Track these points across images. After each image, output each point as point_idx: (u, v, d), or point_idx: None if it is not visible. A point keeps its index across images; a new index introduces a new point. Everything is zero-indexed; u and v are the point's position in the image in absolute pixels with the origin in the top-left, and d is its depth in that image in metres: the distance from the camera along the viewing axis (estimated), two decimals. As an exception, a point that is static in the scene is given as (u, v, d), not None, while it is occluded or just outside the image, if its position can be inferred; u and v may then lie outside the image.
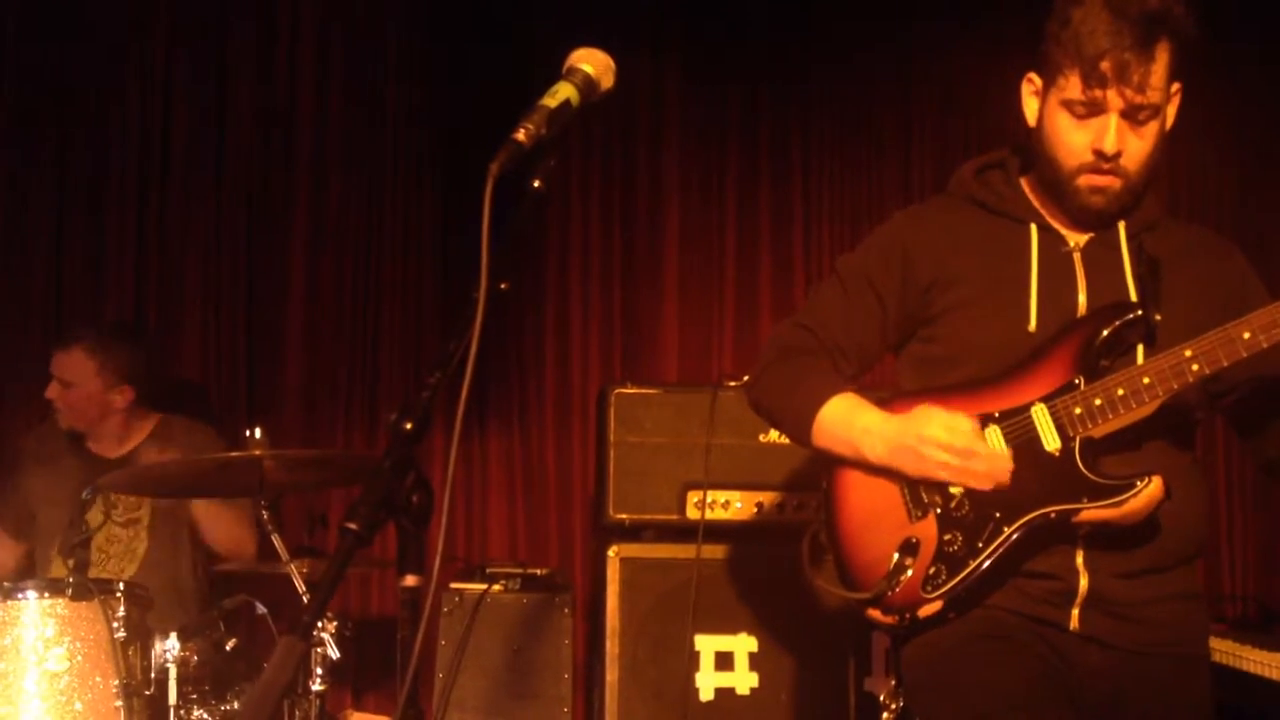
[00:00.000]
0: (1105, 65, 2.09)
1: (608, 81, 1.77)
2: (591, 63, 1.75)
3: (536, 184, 1.69)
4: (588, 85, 1.74)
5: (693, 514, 3.40)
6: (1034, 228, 2.27)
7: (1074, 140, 2.17)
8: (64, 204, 4.21)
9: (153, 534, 3.58)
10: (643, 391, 3.51)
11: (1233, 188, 4.41)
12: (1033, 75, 2.25)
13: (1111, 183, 2.18)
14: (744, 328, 4.39)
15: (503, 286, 1.60)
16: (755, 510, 3.42)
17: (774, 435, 3.42)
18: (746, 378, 3.54)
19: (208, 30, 4.27)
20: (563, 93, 1.72)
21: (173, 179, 4.27)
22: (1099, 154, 2.15)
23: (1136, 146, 2.16)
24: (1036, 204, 2.30)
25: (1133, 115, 2.14)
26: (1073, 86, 2.14)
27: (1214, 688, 2.24)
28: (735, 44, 4.38)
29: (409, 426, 1.48)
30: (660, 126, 4.41)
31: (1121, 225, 2.26)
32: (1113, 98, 2.12)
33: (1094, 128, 2.15)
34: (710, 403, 3.42)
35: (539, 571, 3.70)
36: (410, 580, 1.47)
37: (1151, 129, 2.16)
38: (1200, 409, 2.28)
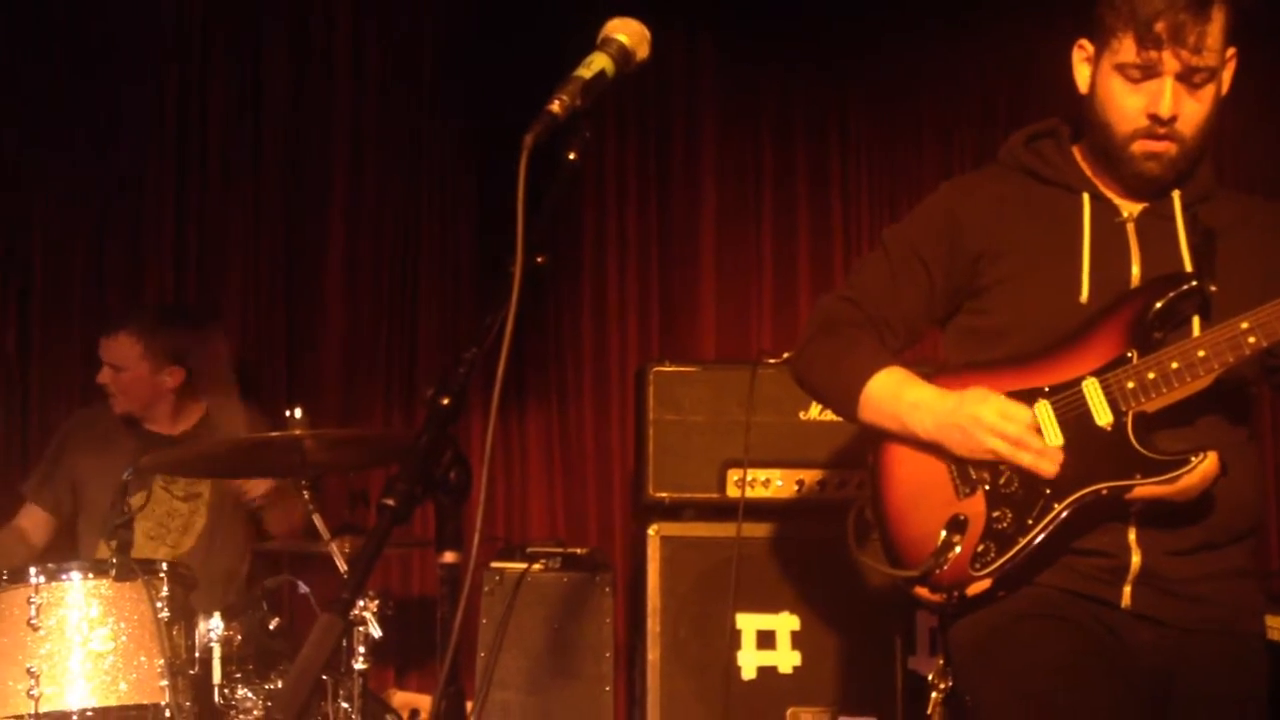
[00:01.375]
0: (1160, 26, 2.04)
1: (643, 51, 1.74)
2: (626, 32, 1.72)
3: (571, 156, 1.65)
4: (623, 55, 1.71)
5: (733, 492, 3.37)
6: (1086, 197, 2.23)
7: (1128, 105, 2.12)
8: (103, 190, 4.22)
9: (212, 510, 3.60)
10: (681, 369, 3.48)
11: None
12: (1084, 41, 2.20)
13: (1167, 148, 2.13)
14: (782, 304, 4.34)
15: (539, 260, 1.57)
16: (796, 488, 3.39)
17: (814, 412, 3.38)
18: (787, 354, 3.55)
19: (243, 11, 4.26)
20: (597, 63, 1.69)
21: (210, 162, 4.27)
22: (1154, 118, 2.10)
23: (1192, 110, 2.11)
24: (1089, 173, 2.25)
25: (1188, 78, 2.09)
26: (1126, 49, 2.09)
27: (1271, 665, 2.19)
28: (770, 18, 4.32)
29: (446, 402, 1.46)
30: (695, 102, 4.36)
31: (1176, 195, 2.21)
32: (1168, 60, 2.07)
33: (1148, 91, 2.10)
34: (749, 380, 3.39)
35: (579, 551, 3.69)
36: (449, 557, 1.45)
37: (1208, 92, 2.11)
38: (1255, 383, 2.22)
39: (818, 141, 4.36)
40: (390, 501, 1.38)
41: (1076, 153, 2.28)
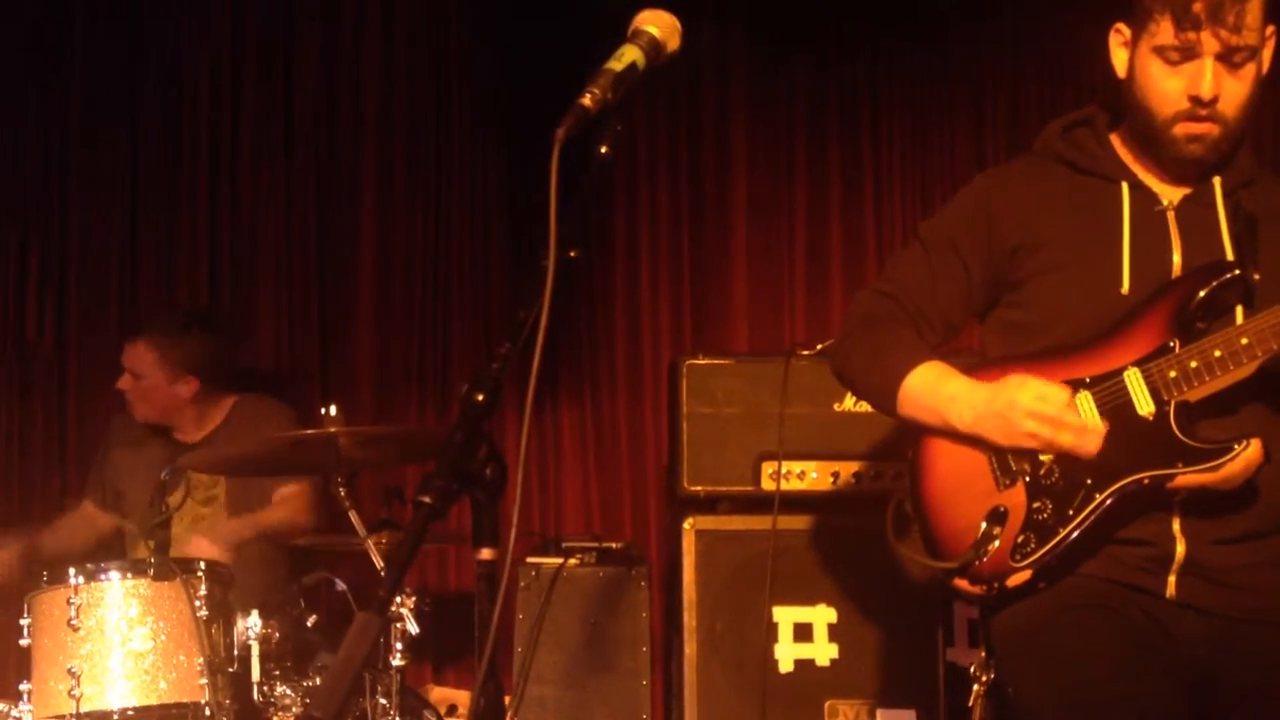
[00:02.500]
0: (1198, 7, 2.02)
1: (674, 43, 1.72)
2: (657, 24, 1.71)
3: (604, 150, 1.64)
4: (654, 48, 1.70)
5: (768, 485, 3.35)
6: (1125, 186, 2.20)
7: (1168, 88, 2.09)
8: (137, 187, 4.25)
9: (231, 511, 3.61)
10: (715, 362, 3.46)
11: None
12: (1121, 26, 2.18)
13: (1209, 130, 2.10)
14: (815, 296, 4.32)
15: (572, 254, 1.56)
16: (831, 480, 3.37)
17: (849, 404, 3.36)
18: (820, 346, 3.54)
19: (273, 5, 4.27)
20: (628, 56, 1.67)
21: (242, 160, 4.29)
22: (1196, 100, 2.07)
23: (1234, 90, 2.08)
24: (1128, 161, 2.23)
25: (1228, 58, 2.06)
26: (1165, 31, 2.06)
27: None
28: (801, 9, 4.29)
29: (480, 398, 1.45)
30: (726, 95, 4.34)
31: (1217, 182, 2.18)
32: (1207, 40, 2.04)
33: (1188, 73, 2.07)
34: (783, 372, 3.37)
35: (614, 545, 3.69)
36: (486, 553, 1.45)
37: (1249, 72, 2.08)
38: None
39: (850, 132, 4.33)
40: (427, 499, 1.37)
41: (1114, 141, 2.26)
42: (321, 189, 4.29)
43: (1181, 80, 2.08)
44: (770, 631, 3.30)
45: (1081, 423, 2.09)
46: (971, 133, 4.31)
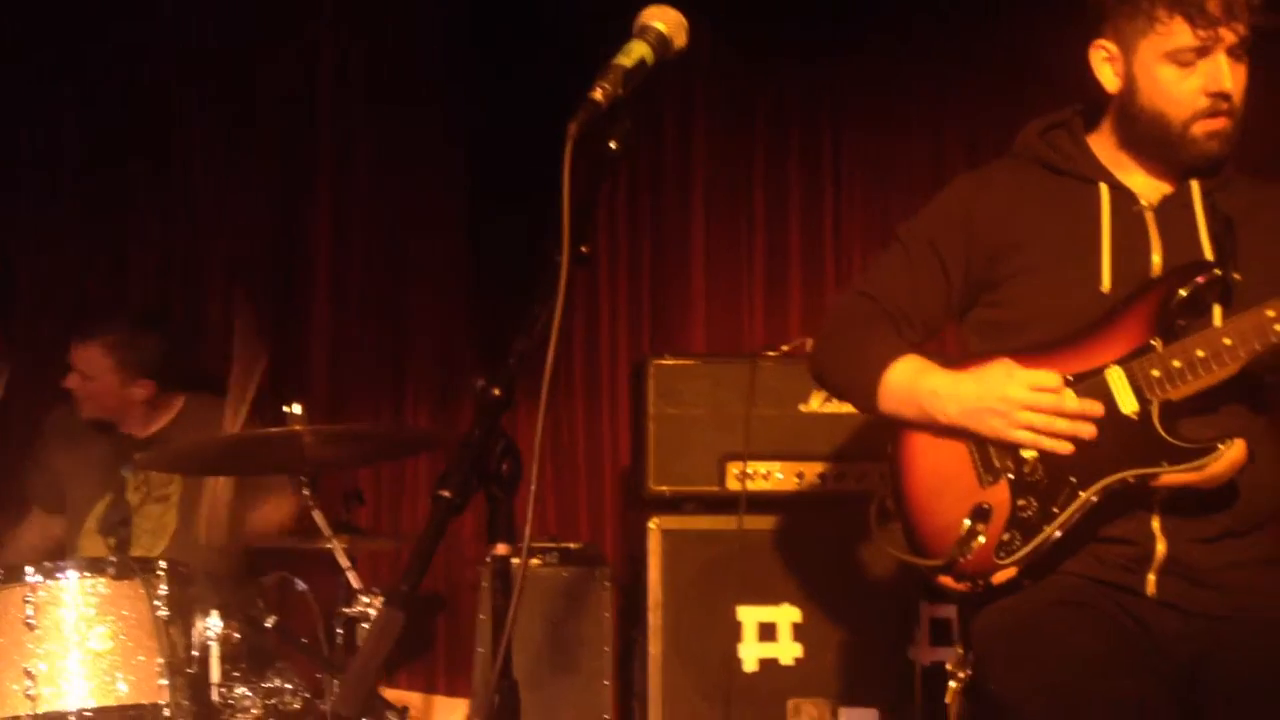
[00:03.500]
0: (1213, 5, 2.07)
1: (681, 39, 1.73)
2: (664, 20, 1.71)
3: (614, 146, 1.64)
4: (661, 43, 1.70)
5: (733, 485, 3.36)
6: (1104, 187, 2.23)
7: (1184, 90, 2.13)
8: (88, 185, 4.15)
9: (181, 510, 3.54)
10: (681, 363, 3.46)
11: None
12: (1102, 43, 2.22)
13: (1225, 124, 2.15)
14: (773, 298, 4.32)
15: (583, 250, 1.55)
16: (796, 481, 3.38)
17: (815, 405, 3.38)
18: (786, 348, 3.55)
19: (229, 7, 4.20)
20: (637, 51, 1.67)
21: (194, 158, 4.21)
22: (1217, 95, 2.11)
23: (1240, 82, 2.14)
24: (1105, 162, 2.26)
25: (1236, 50, 2.11)
26: (1179, 34, 2.10)
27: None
28: (763, 15, 4.30)
29: (497, 394, 1.43)
30: (688, 98, 4.33)
31: (1195, 183, 2.22)
32: (1225, 34, 2.09)
33: (1204, 72, 2.11)
34: (749, 373, 3.38)
35: (573, 545, 3.68)
36: (501, 549, 1.44)
37: (1246, 62, 2.14)
38: (1272, 371, 2.23)
39: (810, 135, 4.34)
40: (447, 493, 1.35)
41: (1091, 142, 2.28)
42: (276, 185, 4.22)
43: (1198, 79, 2.12)
44: (734, 631, 3.31)
45: (1077, 406, 2.10)
46: (929, 133, 4.34)
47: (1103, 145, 2.28)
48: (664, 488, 3.39)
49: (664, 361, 3.44)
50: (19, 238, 4.14)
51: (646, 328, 4.29)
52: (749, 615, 3.33)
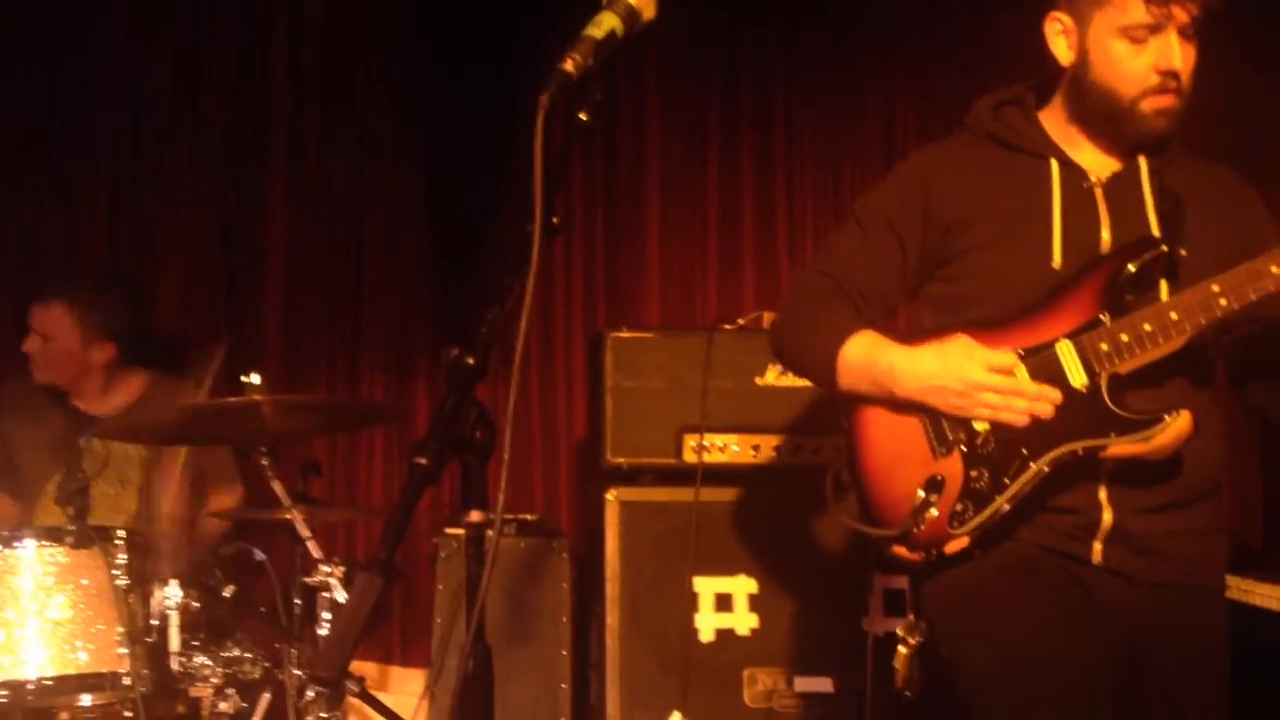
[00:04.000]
0: None
1: (649, 11, 1.74)
2: (633, -9, 1.72)
3: (583, 117, 1.66)
4: (630, 15, 1.71)
5: (690, 457, 3.41)
6: (1055, 163, 2.27)
7: (1134, 66, 2.17)
8: (40, 150, 4.12)
9: (143, 495, 3.53)
10: (638, 335, 3.49)
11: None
12: (1058, 15, 2.25)
13: (1174, 102, 2.19)
14: (727, 272, 4.37)
15: (555, 220, 1.57)
16: (752, 453, 3.43)
17: (771, 378, 3.42)
18: (742, 321, 3.59)
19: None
20: (607, 23, 1.69)
21: (145, 124, 4.18)
22: (1166, 73, 2.16)
23: (1189, 60, 2.18)
24: (1056, 138, 2.30)
25: (1187, 29, 2.16)
26: (1134, 10, 2.14)
27: (1229, 620, 2.28)
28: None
29: (471, 362, 1.45)
30: (640, 73, 4.35)
31: (1143, 160, 2.26)
32: (1177, 13, 2.13)
33: (1155, 49, 2.16)
34: (706, 346, 3.42)
35: (530, 517, 3.71)
36: (475, 516, 1.46)
37: (1195, 43, 2.18)
38: (1213, 345, 2.30)
39: (762, 106, 4.38)
40: (423, 460, 1.37)
41: (1042, 118, 2.32)
42: (230, 155, 4.20)
43: (1149, 56, 2.16)
44: (691, 601, 3.35)
45: (1036, 390, 2.15)
46: (882, 112, 4.39)
47: (1054, 121, 2.31)
48: (621, 460, 3.43)
49: (622, 334, 3.47)
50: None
51: (601, 301, 4.32)
52: (705, 586, 3.38)
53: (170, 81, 4.18)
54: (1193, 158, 2.36)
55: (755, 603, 3.38)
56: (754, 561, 3.39)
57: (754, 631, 3.37)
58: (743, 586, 3.38)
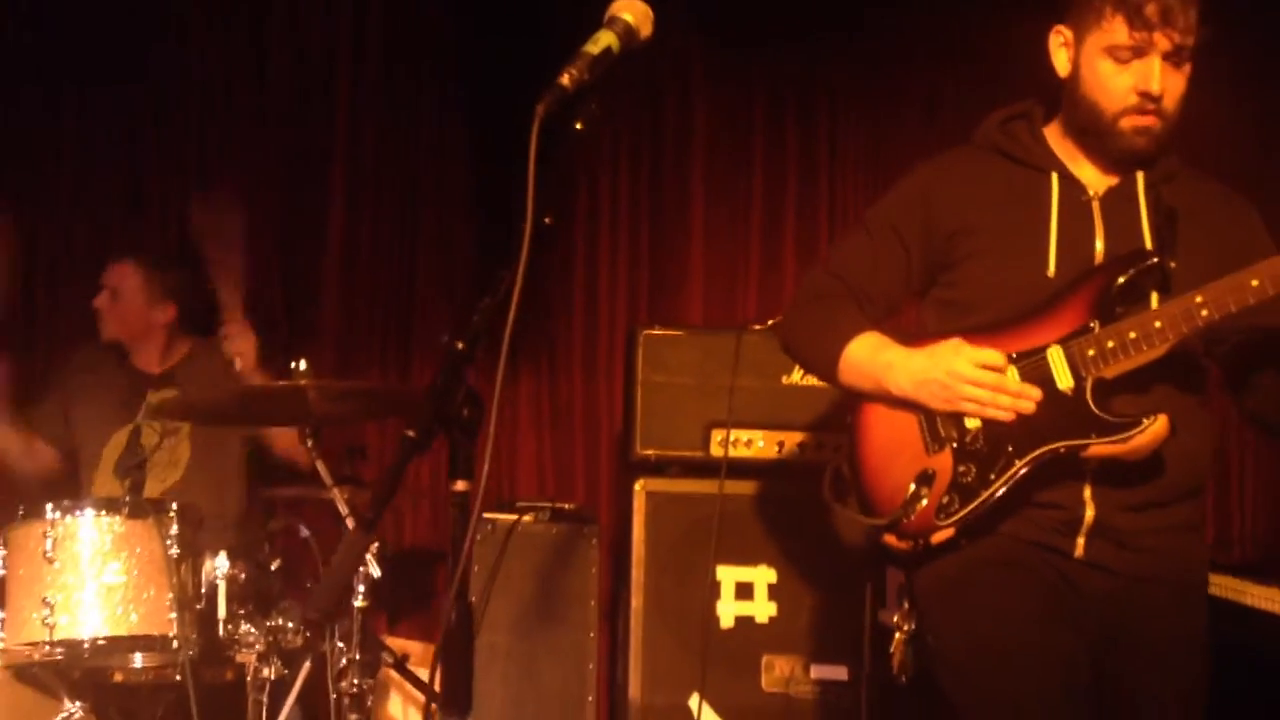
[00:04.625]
0: (1150, 10, 2.19)
1: (646, 30, 1.86)
2: (631, 11, 1.84)
3: (578, 126, 1.79)
4: (627, 33, 1.83)
5: (716, 452, 3.53)
6: (1055, 176, 2.36)
7: (1117, 85, 2.25)
8: (109, 141, 4.35)
9: (194, 440, 3.69)
10: (670, 333, 3.63)
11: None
12: (1061, 27, 2.34)
13: (1154, 123, 2.26)
14: (768, 273, 4.48)
15: (547, 220, 1.71)
16: (777, 449, 3.54)
17: (796, 377, 3.54)
18: (771, 322, 3.70)
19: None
20: (604, 40, 1.81)
21: (212, 117, 4.39)
22: (1145, 95, 2.24)
23: (1175, 86, 2.26)
24: (1059, 153, 2.38)
25: (1172, 56, 2.23)
26: (1118, 31, 2.22)
27: (1209, 615, 2.35)
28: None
29: (460, 346, 1.60)
30: (688, 80, 4.48)
31: (1140, 176, 2.34)
32: (1159, 40, 2.21)
33: (1137, 71, 2.23)
34: (735, 345, 3.53)
35: (566, 505, 3.84)
36: (461, 485, 1.60)
37: (1186, 70, 2.26)
38: (1204, 355, 2.37)
39: (806, 116, 4.48)
40: (412, 434, 1.53)
41: (1048, 134, 2.41)
42: (290, 149, 4.39)
43: (1131, 77, 2.24)
44: (713, 589, 3.48)
45: (1019, 388, 2.25)
46: (924, 118, 4.47)
47: (1056, 136, 2.40)
48: (650, 452, 3.56)
49: (653, 332, 3.61)
50: (61, 204, 4.33)
51: (644, 301, 4.45)
52: (727, 575, 3.50)
53: (235, 74, 4.39)
54: (1194, 174, 2.43)
55: (774, 592, 3.49)
56: (774, 552, 3.50)
57: (772, 620, 3.49)
58: (763, 576, 3.50)
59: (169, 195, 4.36)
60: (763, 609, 3.49)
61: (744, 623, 3.49)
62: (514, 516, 3.65)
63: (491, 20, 4.37)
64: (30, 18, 4.31)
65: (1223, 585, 2.72)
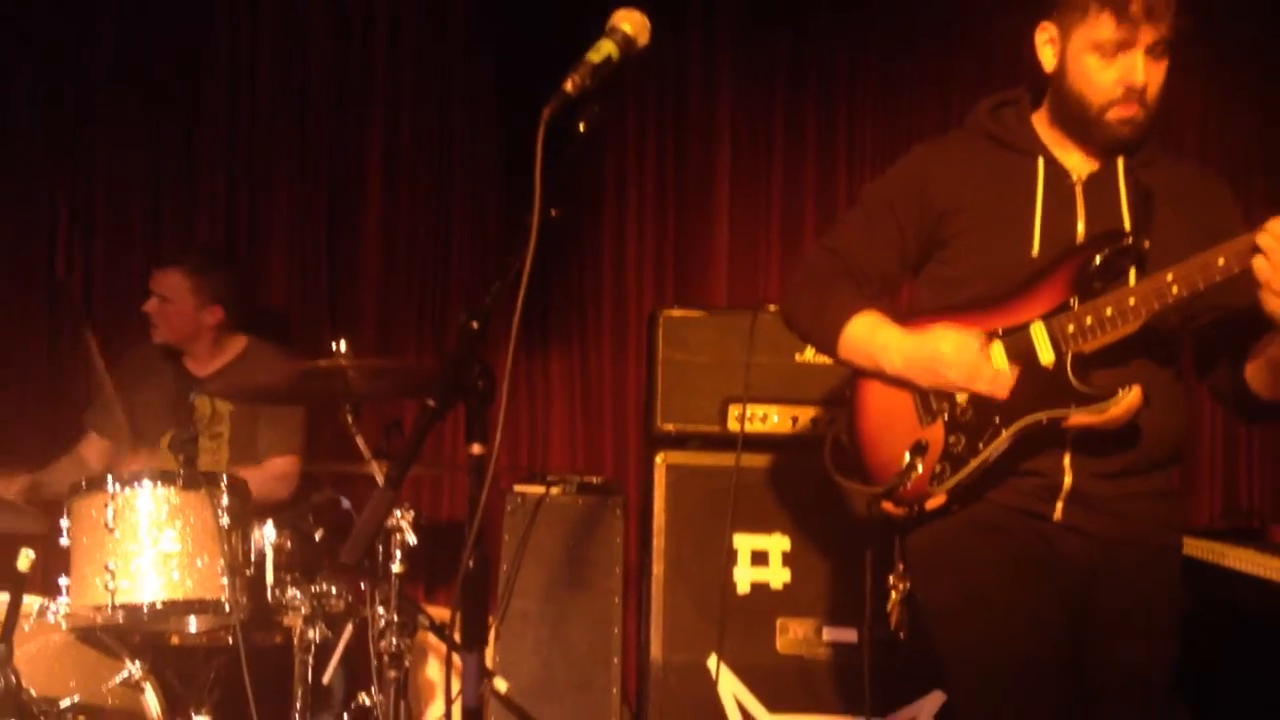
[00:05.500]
0: (1135, 6, 2.32)
1: (644, 39, 2.03)
2: (630, 22, 2.02)
3: (582, 127, 1.97)
4: (626, 42, 2.01)
5: (733, 426, 3.69)
6: (1041, 161, 2.50)
7: (1103, 79, 2.38)
8: (161, 135, 4.55)
9: (233, 446, 3.91)
10: (688, 314, 3.79)
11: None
12: (1046, 24, 2.46)
13: (1137, 113, 2.39)
14: (789, 255, 4.60)
15: (553, 213, 1.89)
16: (790, 424, 3.70)
17: (809, 355, 3.69)
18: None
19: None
20: (604, 49, 1.99)
21: (260, 114, 4.59)
22: (1130, 88, 2.37)
23: (1157, 77, 2.38)
24: (1045, 139, 2.52)
25: (1155, 50, 2.36)
26: (1104, 27, 2.34)
27: (1183, 577, 2.50)
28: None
29: (475, 326, 1.79)
30: (711, 66, 4.62)
31: (1120, 160, 2.48)
32: (1143, 34, 2.33)
33: (1122, 65, 2.36)
34: (750, 324, 3.69)
35: (594, 479, 4.01)
36: (476, 448, 1.79)
37: (1166, 62, 2.39)
38: (1181, 329, 2.50)
39: (825, 101, 4.61)
40: (432, 402, 1.72)
41: (1035, 120, 2.55)
42: (332, 137, 4.58)
43: (1116, 71, 2.37)
44: (730, 556, 3.64)
45: (995, 370, 2.41)
46: (939, 107, 4.59)
47: (1043, 123, 2.54)
48: (670, 426, 3.73)
49: (673, 312, 3.78)
50: (100, 190, 4.55)
51: (670, 281, 4.60)
52: (744, 543, 3.66)
53: (279, 70, 4.58)
54: (1172, 158, 2.56)
55: (788, 559, 3.66)
56: (788, 522, 3.67)
57: (786, 585, 3.65)
58: (777, 544, 3.67)
59: (217, 192, 4.55)
60: (777, 575, 3.66)
61: (759, 588, 3.66)
62: (543, 489, 3.84)
63: (519, 18, 4.53)
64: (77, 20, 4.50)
65: (1203, 548, 2.87)
